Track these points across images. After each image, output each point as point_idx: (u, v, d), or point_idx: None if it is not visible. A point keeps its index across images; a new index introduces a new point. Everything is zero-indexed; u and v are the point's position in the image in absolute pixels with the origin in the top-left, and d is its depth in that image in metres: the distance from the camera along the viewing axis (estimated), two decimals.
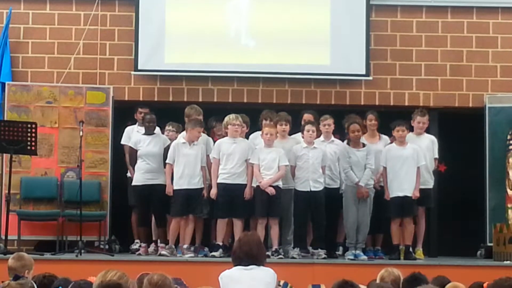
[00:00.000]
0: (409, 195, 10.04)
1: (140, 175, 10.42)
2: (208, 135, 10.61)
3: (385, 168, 10.19)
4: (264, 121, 10.40)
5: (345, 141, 10.39)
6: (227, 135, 10.19)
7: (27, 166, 11.06)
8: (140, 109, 10.98)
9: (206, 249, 10.17)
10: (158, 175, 10.32)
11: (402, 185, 10.07)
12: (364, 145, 10.24)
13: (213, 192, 9.95)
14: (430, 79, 11.78)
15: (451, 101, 11.77)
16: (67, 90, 11.31)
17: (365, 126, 10.50)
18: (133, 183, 10.48)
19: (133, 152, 10.54)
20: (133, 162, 10.54)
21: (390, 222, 10.15)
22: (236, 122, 10.07)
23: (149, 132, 10.54)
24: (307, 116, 10.58)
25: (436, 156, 10.63)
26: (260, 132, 10.37)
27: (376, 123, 10.56)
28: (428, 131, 10.84)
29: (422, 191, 10.22)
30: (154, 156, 10.36)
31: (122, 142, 10.95)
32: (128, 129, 11.00)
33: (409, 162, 10.12)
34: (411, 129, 10.54)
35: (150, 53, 11.57)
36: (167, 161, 10.09)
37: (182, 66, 11.65)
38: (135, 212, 10.75)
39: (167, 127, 10.68)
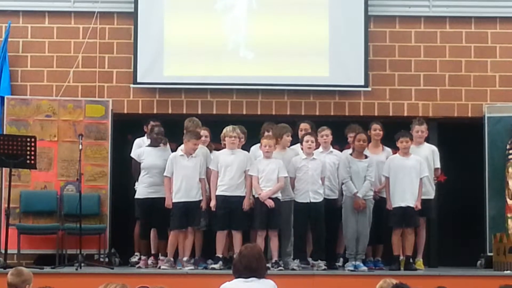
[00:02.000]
0: (411, 205, 9.99)
1: (142, 188, 10.39)
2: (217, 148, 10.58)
3: (387, 178, 10.15)
4: (266, 133, 10.40)
5: (350, 150, 10.33)
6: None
7: (27, 179, 11.07)
8: (152, 122, 10.87)
9: (209, 261, 10.13)
10: (160, 188, 10.24)
11: (405, 196, 10.01)
12: (366, 157, 10.20)
13: (213, 204, 9.94)
14: (429, 89, 11.79)
15: (450, 111, 11.77)
16: (66, 103, 11.33)
17: (369, 136, 10.45)
18: (136, 196, 10.45)
19: (137, 165, 10.52)
20: (136, 174, 10.52)
21: (391, 233, 10.11)
22: (232, 134, 10.04)
23: (155, 144, 10.50)
24: (303, 126, 10.56)
25: (438, 166, 10.59)
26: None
27: (381, 133, 10.52)
28: (427, 141, 10.82)
29: (423, 201, 10.15)
30: (156, 169, 10.28)
31: (131, 154, 10.76)
32: (137, 141, 10.88)
33: (412, 172, 10.06)
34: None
35: (149, 66, 11.58)
36: (165, 174, 10.03)
37: (181, 78, 11.67)
38: (139, 225, 10.73)
39: None
